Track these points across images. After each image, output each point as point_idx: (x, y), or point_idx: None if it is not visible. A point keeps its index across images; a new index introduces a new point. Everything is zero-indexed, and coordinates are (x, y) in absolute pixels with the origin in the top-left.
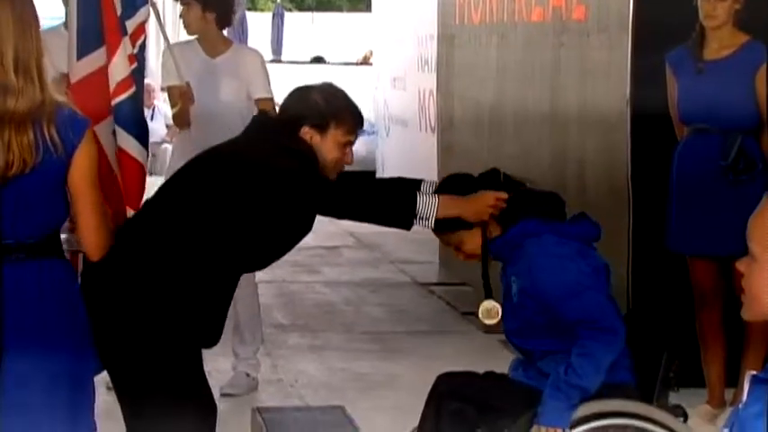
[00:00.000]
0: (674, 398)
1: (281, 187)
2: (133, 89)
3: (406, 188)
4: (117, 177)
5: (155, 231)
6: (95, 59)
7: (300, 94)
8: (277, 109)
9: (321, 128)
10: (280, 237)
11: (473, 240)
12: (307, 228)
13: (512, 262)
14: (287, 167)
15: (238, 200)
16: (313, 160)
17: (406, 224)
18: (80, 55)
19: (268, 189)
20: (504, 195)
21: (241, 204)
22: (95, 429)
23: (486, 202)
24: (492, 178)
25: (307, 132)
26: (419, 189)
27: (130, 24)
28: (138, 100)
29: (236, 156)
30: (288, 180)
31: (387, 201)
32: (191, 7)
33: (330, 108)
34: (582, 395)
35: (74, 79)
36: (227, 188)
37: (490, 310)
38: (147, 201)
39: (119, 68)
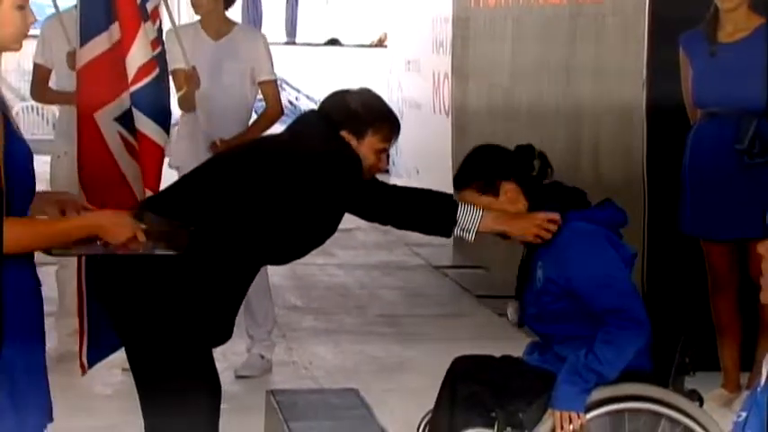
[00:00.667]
0: (689, 382)
1: (324, 184)
2: (155, 73)
3: (446, 198)
4: (118, 163)
5: (183, 218)
6: (99, 44)
7: (340, 98)
8: (284, 93)
9: (359, 134)
10: (309, 233)
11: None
12: (333, 228)
13: (538, 248)
14: (335, 165)
15: (278, 192)
16: (357, 161)
17: (447, 232)
18: (83, 41)
19: (311, 184)
20: (556, 217)
21: (280, 197)
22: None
23: (535, 222)
24: (526, 154)
25: (344, 137)
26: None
27: (149, 8)
28: (162, 85)
29: (280, 149)
30: (333, 177)
31: (429, 209)
32: None
33: (369, 115)
34: (598, 381)
35: (79, 65)
36: (268, 180)
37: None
38: (175, 183)
39: (140, 53)
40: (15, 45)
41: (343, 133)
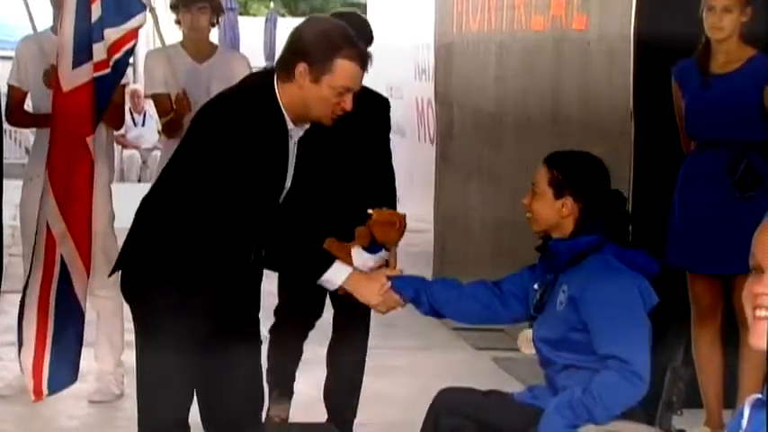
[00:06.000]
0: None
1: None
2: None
3: (324, 255)
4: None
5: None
6: (87, 71)
7: (303, 26)
8: None
9: (315, 70)
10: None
11: (544, 209)
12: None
13: (566, 271)
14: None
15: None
16: (247, 118)
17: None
18: (75, 64)
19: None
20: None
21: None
22: None
23: (379, 291)
24: (617, 200)
25: (299, 74)
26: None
27: (118, 31)
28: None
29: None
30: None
31: (305, 257)
32: (204, 11)
33: (326, 46)
34: (587, 420)
35: (66, 87)
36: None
37: (530, 340)
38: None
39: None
40: None
41: (299, 69)
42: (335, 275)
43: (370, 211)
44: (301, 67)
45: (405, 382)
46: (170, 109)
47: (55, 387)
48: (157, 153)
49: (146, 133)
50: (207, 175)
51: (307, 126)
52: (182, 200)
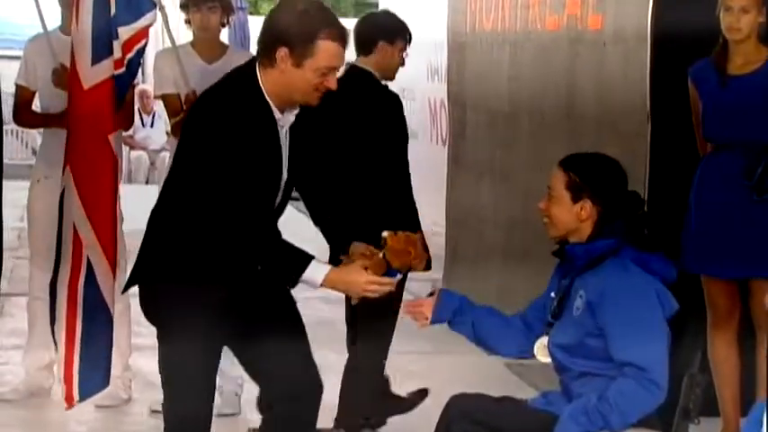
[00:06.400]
0: (692, 429)
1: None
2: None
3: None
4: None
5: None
6: (108, 67)
7: (276, 10)
8: None
9: (295, 53)
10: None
11: (562, 214)
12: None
13: (583, 275)
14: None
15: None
16: (230, 109)
17: (290, 284)
18: (95, 60)
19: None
20: (390, 281)
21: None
22: None
23: (364, 285)
24: (635, 202)
25: (280, 58)
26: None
27: (130, 29)
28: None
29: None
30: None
31: (283, 259)
32: (214, 11)
33: (306, 27)
34: (603, 427)
35: (87, 84)
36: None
37: (546, 347)
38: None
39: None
40: None
41: (280, 54)
42: (314, 274)
43: (384, 234)
44: (282, 52)
45: (418, 386)
46: (180, 110)
47: (86, 393)
48: (166, 154)
49: (154, 134)
50: (201, 174)
51: (296, 111)
52: (184, 203)
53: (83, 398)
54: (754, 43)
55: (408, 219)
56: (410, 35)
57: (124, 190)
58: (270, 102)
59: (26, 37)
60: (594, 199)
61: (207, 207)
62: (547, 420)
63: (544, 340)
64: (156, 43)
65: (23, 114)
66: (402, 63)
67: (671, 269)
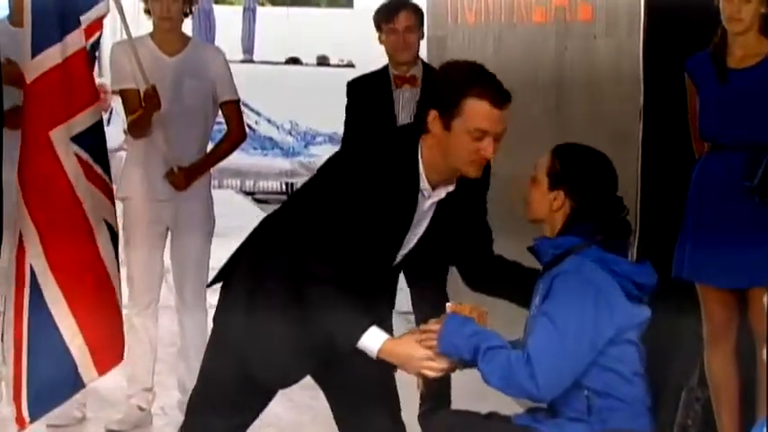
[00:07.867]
0: None
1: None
2: None
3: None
4: (73, 188)
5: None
6: (50, 57)
7: (434, 73)
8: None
9: (446, 115)
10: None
11: (536, 198)
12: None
13: (547, 272)
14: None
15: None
16: (368, 174)
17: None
18: (34, 52)
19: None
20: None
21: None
22: None
23: (418, 364)
24: (614, 204)
25: (432, 125)
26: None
27: (86, 19)
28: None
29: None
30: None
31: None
32: None
33: (455, 86)
34: (469, 361)
35: (29, 79)
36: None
37: None
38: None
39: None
40: None
41: (431, 117)
42: (371, 342)
43: (448, 305)
44: (432, 115)
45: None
46: (138, 106)
47: (36, 413)
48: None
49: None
50: (317, 211)
51: (451, 188)
52: (296, 226)
53: (33, 418)
54: (756, 35)
55: None
56: None
57: None
58: (421, 170)
59: None
60: (570, 192)
61: (306, 242)
62: None
63: None
64: (113, 35)
65: None
66: None
67: (647, 274)
